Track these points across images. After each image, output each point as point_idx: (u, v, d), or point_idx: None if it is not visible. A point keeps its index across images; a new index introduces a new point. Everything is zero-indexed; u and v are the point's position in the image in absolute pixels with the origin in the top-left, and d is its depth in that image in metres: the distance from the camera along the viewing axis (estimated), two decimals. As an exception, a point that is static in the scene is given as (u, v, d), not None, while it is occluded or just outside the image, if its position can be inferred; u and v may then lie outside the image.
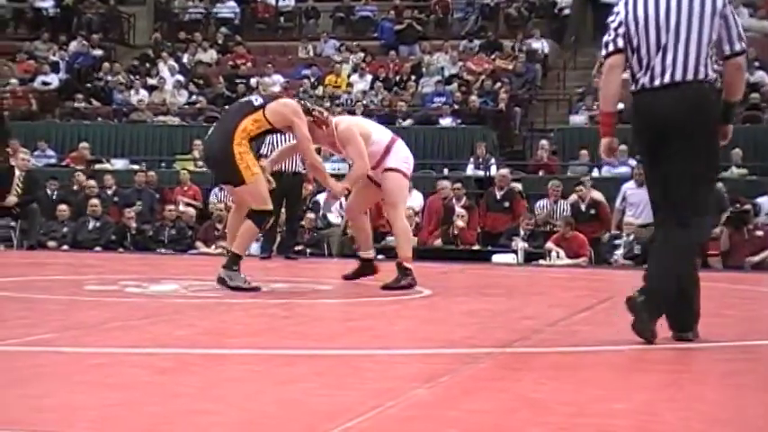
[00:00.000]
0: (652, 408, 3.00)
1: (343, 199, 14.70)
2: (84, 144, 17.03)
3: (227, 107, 7.15)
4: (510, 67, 19.15)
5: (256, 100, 6.78)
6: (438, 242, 13.46)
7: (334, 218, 14.18)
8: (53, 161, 17.18)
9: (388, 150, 7.11)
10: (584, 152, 15.73)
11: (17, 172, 12.96)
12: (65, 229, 13.89)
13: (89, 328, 4.62)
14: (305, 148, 6.77)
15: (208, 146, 7.04)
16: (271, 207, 6.72)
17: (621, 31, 4.48)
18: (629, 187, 13.28)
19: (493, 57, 19.56)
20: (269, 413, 2.77)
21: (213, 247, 13.37)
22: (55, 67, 20.81)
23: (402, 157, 7.19)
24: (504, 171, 14.33)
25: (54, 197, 14.62)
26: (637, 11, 4.42)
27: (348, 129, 7.02)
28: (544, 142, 16.17)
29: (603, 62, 4.69)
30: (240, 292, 6.31)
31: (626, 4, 4.49)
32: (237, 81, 19.67)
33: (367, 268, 7.46)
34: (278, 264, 10.87)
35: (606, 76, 4.66)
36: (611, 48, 4.54)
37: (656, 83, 4.42)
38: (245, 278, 6.49)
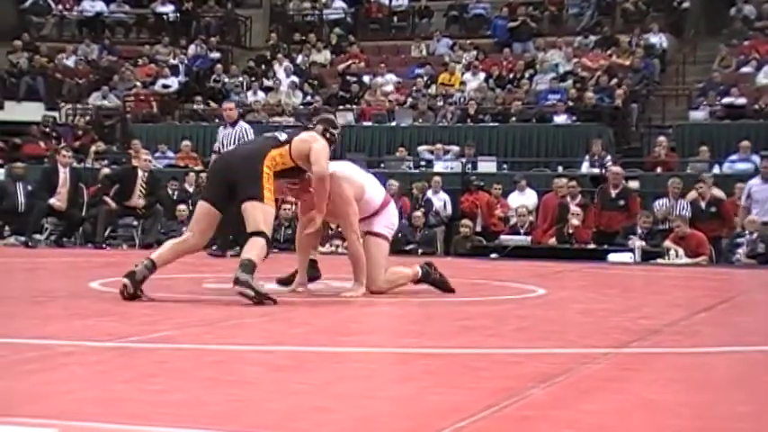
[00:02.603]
0: (777, 411, 2.91)
1: (447, 197, 14.81)
2: (185, 143, 17.47)
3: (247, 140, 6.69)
4: (627, 62, 18.81)
5: (281, 135, 6.26)
6: (553, 241, 13.32)
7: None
8: (173, 162, 17.63)
9: (377, 212, 6.53)
10: (704, 148, 15.35)
11: (140, 173, 13.34)
12: (184, 229, 14.19)
13: (208, 326, 4.73)
14: (324, 176, 6.13)
15: (227, 161, 6.29)
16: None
17: None
18: (754, 184, 12.84)
19: (609, 52, 19.25)
20: (384, 411, 2.79)
21: (327, 246, 13.51)
22: (175, 71, 21.35)
23: (390, 221, 6.62)
24: (617, 168, 14.07)
25: (175, 197, 15.02)
26: None
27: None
28: (662, 139, 15.83)
29: None
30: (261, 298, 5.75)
31: None
32: (351, 81, 19.85)
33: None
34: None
35: None
36: None
37: None
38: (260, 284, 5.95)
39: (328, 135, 6.43)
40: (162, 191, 14.21)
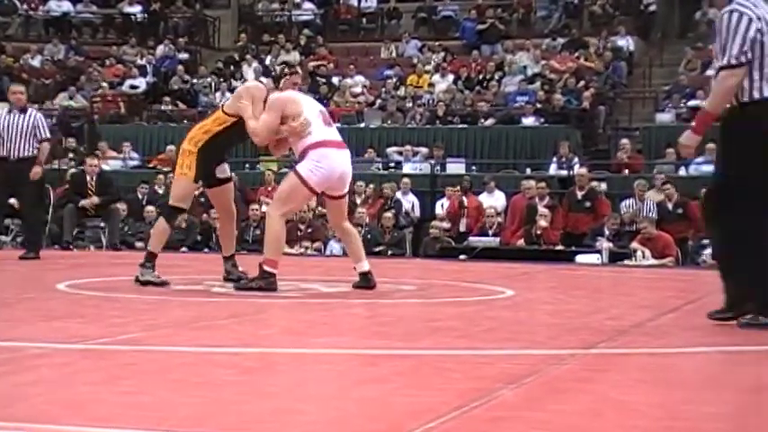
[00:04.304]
0: (742, 411, 2.94)
1: (415, 199, 14.86)
2: (170, 147, 17.35)
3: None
4: (594, 65, 18.93)
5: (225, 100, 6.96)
6: (521, 242, 13.38)
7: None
8: (137, 163, 17.52)
9: (304, 153, 6.47)
10: (670, 150, 15.47)
11: (87, 176, 13.21)
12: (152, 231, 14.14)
13: (177, 327, 4.71)
14: (250, 131, 6.63)
15: None
16: (185, 207, 7.04)
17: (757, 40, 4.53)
18: None
19: (577, 55, 19.36)
20: (353, 412, 2.80)
21: (296, 247, 13.52)
22: (142, 71, 21.23)
23: (314, 165, 6.42)
24: (583, 170, 14.16)
25: (144, 200, 14.96)
26: None
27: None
28: (625, 141, 15.95)
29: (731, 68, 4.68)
30: (154, 287, 6.66)
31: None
32: (320, 82, 19.83)
33: (363, 281, 6.75)
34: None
35: (733, 83, 4.84)
36: (743, 59, 4.57)
37: None
38: (156, 274, 6.86)
39: (276, 74, 7.00)
40: (115, 190, 13.99)
